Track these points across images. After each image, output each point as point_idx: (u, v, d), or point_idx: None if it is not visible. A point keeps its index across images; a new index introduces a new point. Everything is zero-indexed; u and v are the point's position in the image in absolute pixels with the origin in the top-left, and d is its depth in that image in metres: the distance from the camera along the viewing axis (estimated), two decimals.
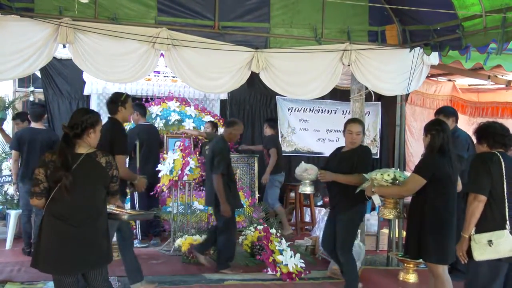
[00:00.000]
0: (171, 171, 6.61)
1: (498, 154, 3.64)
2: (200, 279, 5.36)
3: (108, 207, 3.62)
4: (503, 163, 3.60)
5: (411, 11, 5.48)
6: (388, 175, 4.31)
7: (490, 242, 3.51)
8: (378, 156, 11.06)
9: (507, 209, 3.59)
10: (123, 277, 5.43)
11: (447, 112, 5.34)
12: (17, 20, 4.95)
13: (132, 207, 6.94)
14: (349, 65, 5.96)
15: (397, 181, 4.30)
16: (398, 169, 6.24)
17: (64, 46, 5.24)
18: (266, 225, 6.34)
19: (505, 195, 3.59)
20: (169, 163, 6.61)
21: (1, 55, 4.92)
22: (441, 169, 4.08)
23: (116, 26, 5.17)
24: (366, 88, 6.26)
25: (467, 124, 9.88)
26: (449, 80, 10.65)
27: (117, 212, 3.69)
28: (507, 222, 3.57)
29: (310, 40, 5.90)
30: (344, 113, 10.57)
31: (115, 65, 5.27)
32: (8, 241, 6.67)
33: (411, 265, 5.64)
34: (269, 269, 5.68)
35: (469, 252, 3.59)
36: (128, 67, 5.28)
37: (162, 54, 5.48)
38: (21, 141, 6.23)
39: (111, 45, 5.16)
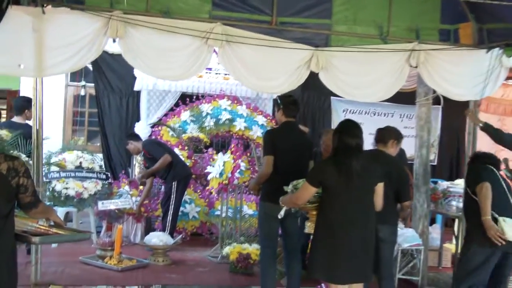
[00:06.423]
0: (220, 174, 6.31)
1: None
2: None
3: (29, 224, 3.10)
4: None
5: (490, 7, 4.93)
6: (296, 184, 3.93)
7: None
8: (435, 163, 10.49)
9: None
10: (168, 286, 5.19)
11: None
12: (67, 13, 4.74)
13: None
14: (416, 67, 5.48)
15: None
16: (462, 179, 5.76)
17: (114, 41, 5.01)
18: None
19: None
20: (219, 165, 6.31)
21: (52, 49, 4.70)
22: (327, 177, 3.66)
23: (168, 20, 4.86)
24: (434, 92, 5.76)
25: None
26: None
27: (25, 234, 3.04)
28: None
29: (375, 39, 5.42)
30: (402, 116, 10.12)
31: (166, 61, 4.98)
32: None
33: None
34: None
35: (467, 236, 4.28)
36: (179, 63, 4.98)
37: (214, 51, 5.18)
38: None
39: (162, 40, 4.86)
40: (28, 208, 2.93)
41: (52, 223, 3.14)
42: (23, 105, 6.15)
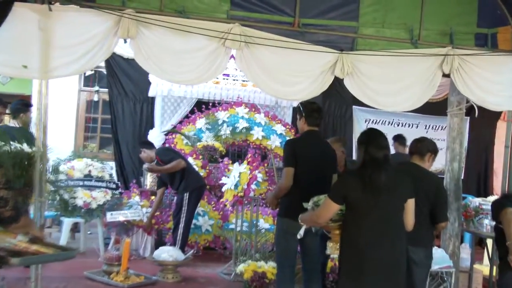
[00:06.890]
0: (236, 185, 5.94)
1: None
2: None
3: (7, 240, 2.75)
4: None
5: None
6: (317, 200, 3.58)
7: None
8: (462, 177, 10.01)
9: None
10: None
11: None
12: (76, 11, 4.47)
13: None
14: (448, 75, 5.09)
15: None
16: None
17: (125, 41, 4.70)
18: None
19: None
20: (234, 176, 5.93)
21: (58, 49, 4.42)
22: (351, 192, 3.27)
23: (183, 20, 4.57)
24: (467, 101, 5.36)
25: None
26: None
27: (3, 253, 2.69)
28: None
29: (405, 43, 5.10)
30: (427, 127, 9.71)
31: (180, 64, 4.65)
32: None
33: None
34: None
35: (500, 264, 4.12)
36: (194, 66, 4.65)
37: (232, 56, 4.84)
38: None
39: (176, 41, 4.56)
40: (8, 223, 2.65)
41: (32, 237, 2.78)
42: (19, 108, 5.91)
